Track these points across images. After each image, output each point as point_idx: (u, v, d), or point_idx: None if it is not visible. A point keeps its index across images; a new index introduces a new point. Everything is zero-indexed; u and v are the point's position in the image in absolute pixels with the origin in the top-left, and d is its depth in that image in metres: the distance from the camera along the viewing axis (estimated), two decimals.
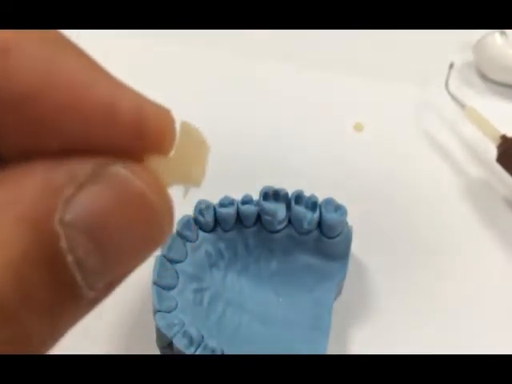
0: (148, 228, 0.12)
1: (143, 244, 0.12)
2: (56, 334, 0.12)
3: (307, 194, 0.29)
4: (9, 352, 0.10)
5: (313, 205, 0.28)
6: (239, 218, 0.28)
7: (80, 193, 0.11)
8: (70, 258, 0.11)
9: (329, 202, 0.28)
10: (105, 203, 0.11)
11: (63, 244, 0.11)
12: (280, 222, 0.28)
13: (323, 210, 0.28)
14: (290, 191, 0.28)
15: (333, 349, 0.27)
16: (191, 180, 0.13)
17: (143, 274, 0.28)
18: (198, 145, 0.13)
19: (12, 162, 0.11)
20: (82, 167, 0.11)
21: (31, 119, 0.11)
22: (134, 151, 0.12)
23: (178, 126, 0.13)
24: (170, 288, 0.26)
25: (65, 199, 0.11)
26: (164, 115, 0.13)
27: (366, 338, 0.29)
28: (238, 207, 0.28)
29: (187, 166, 0.13)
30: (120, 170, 0.11)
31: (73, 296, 0.11)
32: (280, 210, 0.28)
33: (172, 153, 0.13)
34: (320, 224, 0.28)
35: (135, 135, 0.12)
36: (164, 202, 0.12)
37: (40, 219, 0.10)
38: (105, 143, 0.12)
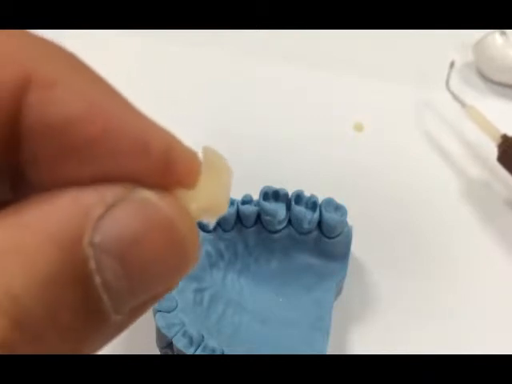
0: (175, 255, 0.12)
1: (169, 272, 0.12)
2: (80, 352, 0.11)
3: (307, 194, 0.29)
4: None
5: (313, 205, 0.28)
6: (239, 218, 0.28)
7: (109, 214, 0.11)
8: (98, 280, 0.11)
9: (329, 202, 0.28)
10: (134, 227, 0.11)
11: (92, 266, 0.11)
12: (280, 222, 0.28)
13: (323, 210, 0.28)
14: (290, 191, 0.28)
15: (333, 349, 0.27)
16: (216, 207, 0.13)
17: None
18: (220, 171, 0.14)
19: (45, 189, 0.11)
20: (111, 189, 0.11)
21: (68, 146, 0.11)
22: (163, 185, 0.12)
23: (200, 152, 0.14)
24: None
25: (95, 219, 0.11)
26: (191, 155, 0.13)
27: (366, 338, 0.29)
28: (238, 207, 0.28)
29: (212, 195, 0.13)
30: (149, 195, 0.12)
31: (99, 319, 0.11)
32: (280, 210, 0.28)
33: (197, 184, 0.13)
34: (320, 224, 0.28)
35: (164, 171, 0.12)
36: (191, 231, 0.12)
37: (70, 239, 0.11)
38: (135, 177, 0.12)
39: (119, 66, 0.41)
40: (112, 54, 0.42)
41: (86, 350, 0.12)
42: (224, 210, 0.14)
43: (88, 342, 0.11)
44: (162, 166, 0.12)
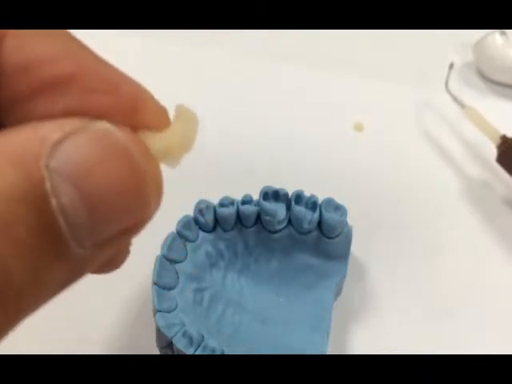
0: (132, 186, 0.12)
1: (127, 203, 0.12)
2: (40, 284, 0.12)
3: (307, 194, 0.29)
4: None
5: (313, 205, 0.28)
6: (239, 218, 0.28)
7: (66, 141, 0.12)
8: (53, 202, 0.11)
9: (329, 202, 0.28)
10: (88, 153, 0.12)
11: (48, 187, 0.11)
12: (280, 222, 0.28)
13: (323, 210, 0.28)
14: (290, 191, 0.28)
15: (333, 349, 0.27)
16: (176, 148, 0.14)
17: (143, 274, 0.28)
18: (187, 120, 0.15)
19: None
20: (69, 120, 0.12)
21: (43, 81, 0.13)
22: (129, 124, 0.13)
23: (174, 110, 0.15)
24: (170, 288, 0.26)
25: (50, 144, 0.11)
26: (157, 102, 0.14)
27: (366, 338, 0.29)
28: (238, 207, 0.28)
29: (173, 137, 0.14)
30: (106, 125, 0.12)
31: (58, 244, 0.11)
32: (280, 210, 0.28)
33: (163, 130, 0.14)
34: (320, 224, 0.28)
35: (131, 111, 0.13)
36: (148, 163, 0.13)
37: (26, 161, 0.11)
38: (104, 115, 0.13)
39: (119, 65, 0.41)
40: (112, 53, 0.42)
41: (50, 278, 0.12)
42: (182, 151, 0.14)
43: (50, 269, 0.12)
44: (130, 106, 0.13)
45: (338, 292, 0.30)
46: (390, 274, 0.31)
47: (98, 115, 0.13)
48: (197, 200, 0.28)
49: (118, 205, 0.12)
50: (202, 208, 0.28)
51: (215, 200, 0.28)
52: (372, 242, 0.32)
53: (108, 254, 0.13)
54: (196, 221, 0.28)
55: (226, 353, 0.25)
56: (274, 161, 0.36)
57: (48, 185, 0.11)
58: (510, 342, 0.29)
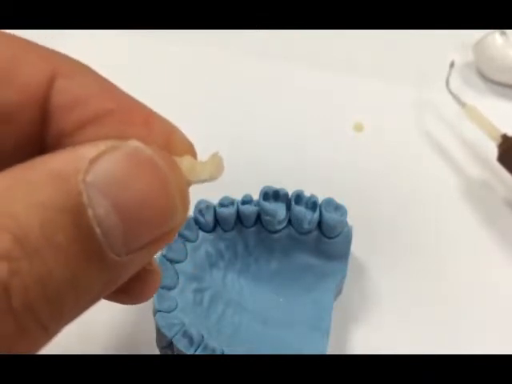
0: (160, 198, 0.14)
1: (156, 214, 0.14)
2: (78, 287, 0.13)
3: (307, 194, 0.29)
4: (26, 283, 0.12)
5: (313, 205, 0.28)
6: (239, 218, 0.28)
7: (101, 158, 0.13)
8: (90, 213, 0.12)
9: (329, 202, 0.28)
10: (120, 168, 0.13)
11: (85, 199, 0.12)
12: (280, 222, 0.28)
13: (323, 210, 0.28)
14: (290, 191, 0.28)
15: (333, 349, 0.27)
16: (196, 174, 0.16)
17: None
18: (212, 158, 0.17)
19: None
20: (104, 141, 0.13)
21: (88, 116, 0.15)
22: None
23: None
24: (170, 288, 0.26)
25: (87, 161, 0.13)
26: (187, 140, 0.17)
27: (366, 338, 0.29)
28: (238, 207, 0.28)
29: (196, 164, 0.16)
30: (136, 143, 0.14)
31: (95, 252, 0.13)
32: (280, 210, 0.28)
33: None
34: (320, 224, 0.28)
35: (163, 141, 0.15)
36: (176, 178, 0.14)
37: (65, 175, 0.13)
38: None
39: (119, 65, 0.41)
40: (112, 53, 0.42)
41: (86, 282, 0.13)
42: (206, 174, 0.16)
43: (88, 274, 0.13)
44: (162, 138, 0.15)
45: (338, 292, 0.30)
46: (390, 274, 0.31)
47: None
48: (197, 200, 0.28)
49: (148, 215, 0.13)
50: (201, 208, 0.28)
51: (215, 200, 0.28)
52: (372, 242, 0.32)
53: (141, 263, 0.14)
54: (196, 221, 0.28)
55: (226, 353, 0.25)
56: (274, 161, 0.36)
57: (85, 197, 0.12)
58: (510, 342, 0.29)
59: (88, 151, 0.13)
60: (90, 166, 0.13)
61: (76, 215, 0.12)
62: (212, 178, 0.16)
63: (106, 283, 0.13)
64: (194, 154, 0.16)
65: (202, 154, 0.17)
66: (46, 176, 0.12)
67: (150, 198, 0.13)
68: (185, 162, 0.15)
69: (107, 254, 0.13)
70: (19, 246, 0.12)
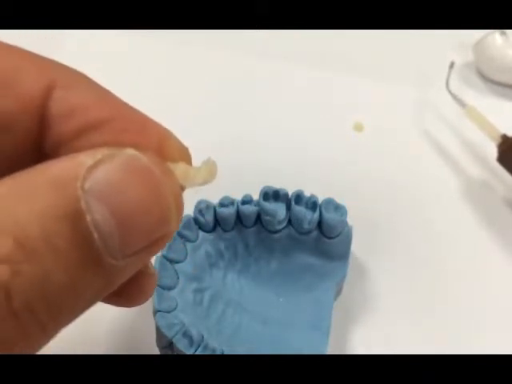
0: (155, 204, 0.14)
1: (151, 220, 0.14)
2: (76, 289, 0.13)
3: (307, 194, 0.29)
4: (26, 285, 0.12)
5: (313, 205, 0.28)
6: (239, 218, 0.28)
7: (99, 166, 0.14)
8: (88, 218, 0.13)
9: (329, 202, 0.28)
10: (117, 175, 0.14)
11: (83, 205, 0.13)
12: (280, 222, 0.28)
13: (323, 210, 0.28)
14: (290, 191, 0.28)
15: (333, 349, 0.27)
16: (190, 179, 0.16)
17: None
18: (206, 163, 0.17)
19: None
20: (101, 149, 0.14)
21: (85, 124, 0.15)
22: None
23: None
24: (170, 288, 0.26)
25: (85, 170, 0.13)
26: (181, 143, 0.17)
27: (366, 337, 0.29)
28: (238, 207, 0.28)
29: (190, 169, 0.16)
30: (132, 151, 0.14)
31: (93, 256, 0.13)
32: (280, 210, 0.28)
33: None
34: (320, 224, 0.28)
35: (158, 146, 0.16)
36: (170, 184, 0.15)
37: (64, 183, 0.13)
38: (135, 148, 0.15)
39: (119, 65, 0.41)
40: (112, 53, 0.42)
41: (84, 285, 0.13)
42: (200, 179, 0.16)
43: (86, 276, 0.13)
44: (156, 143, 0.16)
45: (338, 292, 0.30)
46: (390, 274, 0.31)
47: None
48: (197, 200, 0.28)
49: (143, 221, 0.14)
50: (201, 208, 0.28)
51: (215, 200, 0.28)
52: (372, 242, 0.32)
53: (137, 267, 0.15)
54: (196, 221, 0.28)
55: (225, 353, 0.25)
56: (274, 161, 0.36)
57: (83, 203, 0.13)
58: (510, 342, 0.29)
59: (86, 159, 0.13)
60: (87, 174, 0.13)
61: (75, 220, 0.13)
62: (205, 183, 0.17)
63: (103, 286, 0.14)
64: (188, 158, 0.17)
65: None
66: (46, 183, 0.13)
67: (145, 204, 0.14)
68: (178, 168, 0.16)
69: (104, 258, 0.13)
70: (21, 249, 0.12)
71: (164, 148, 0.16)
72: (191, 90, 0.40)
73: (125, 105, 0.16)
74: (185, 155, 0.17)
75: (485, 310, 0.30)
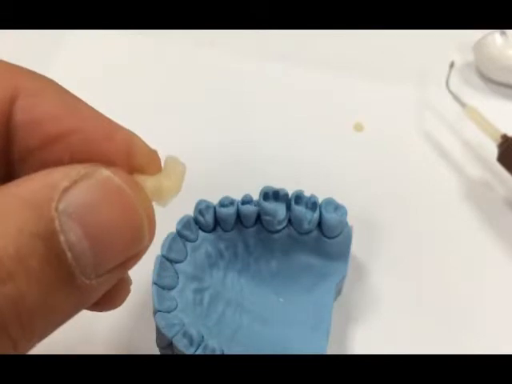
0: (128, 224, 0.14)
1: (125, 240, 0.14)
2: (49, 308, 0.13)
3: (307, 194, 0.29)
4: (2, 304, 0.12)
5: (313, 205, 0.28)
6: (239, 218, 0.28)
7: (74, 187, 0.14)
8: (62, 238, 0.13)
9: (329, 202, 0.28)
10: (91, 197, 0.14)
11: (57, 226, 0.13)
12: (280, 222, 0.28)
13: (323, 210, 0.28)
14: (290, 191, 0.28)
15: (333, 349, 0.27)
16: (166, 191, 0.16)
17: (143, 274, 0.28)
18: (175, 167, 0.17)
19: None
20: (76, 168, 0.14)
21: (49, 136, 0.15)
22: (125, 165, 0.16)
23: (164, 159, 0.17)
24: (170, 288, 0.26)
25: (60, 191, 0.13)
26: (148, 147, 0.17)
27: (366, 338, 0.29)
28: (238, 207, 0.28)
29: (163, 180, 0.16)
30: (106, 172, 0.14)
31: (66, 276, 0.13)
32: (280, 209, 0.28)
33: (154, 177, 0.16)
34: (320, 224, 0.28)
35: (126, 155, 0.16)
36: (143, 204, 0.15)
37: (39, 204, 0.13)
38: (102, 160, 0.15)
39: (119, 65, 0.41)
40: (112, 53, 0.42)
41: (57, 304, 0.13)
42: (170, 194, 0.17)
43: (59, 295, 0.13)
44: (124, 150, 0.16)
45: (338, 292, 0.30)
46: (390, 274, 0.31)
47: (98, 160, 0.15)
48: (197, 200, 0.28)
49: (117, 241, 0.14)
50: (201, 208, 0.28)
51: (215, 200, 0.28)
52: (372, 242, 0.32)
53: (110, 284, 0.15)
54: (196, 221, 0.28)
55: (226, 353, 0.25)
56: (274, 161, 0.36)
57: (57, 224, 0.13)
58: (510, 342, 0.29)
59: (60, 180, 0.14)
60: (62, 195, 0.13)
61: (49, 240, 0.13)
62: (177, 193, 0.17)
63: (77, 305, 0.14)
64: (156, 162, 0.17)
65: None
66: (21, 203, 0.13)
67: (118, 224, 0.14)
68: (149, 183, 0.16)
69: (78, 277, 0.13)
70: None
71: (131, 155, 0.16)
72: (191, 89, 0.40)
73: (91, 112, 0.16)
74: (153, 160, 0.17)
75: (485, 310, 0.30)
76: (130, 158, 0.16)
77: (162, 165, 0.17)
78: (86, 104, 0.17)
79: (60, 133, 0.15)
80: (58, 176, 0.14)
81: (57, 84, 0.17)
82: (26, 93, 0.16)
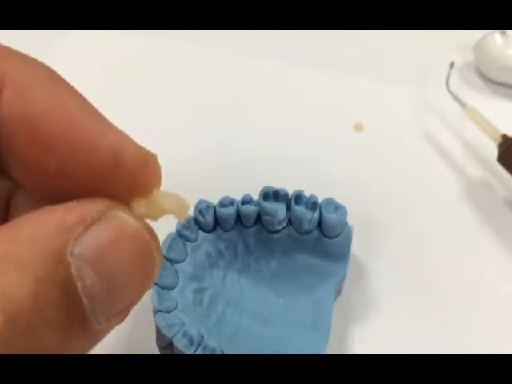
0: (142, 267, 0.14)
1: (137, 282, 0.14)
2: (61, 351, 0.13)
3: (307, 194, 0.29)
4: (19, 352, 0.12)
5: (313, 205, 0.28)
6: (239, 218, 0.28)
7: (87, 231, 0.13)
8: (79, 285, 0.13)
9: (329, 202, 0.28)
10: (106, 240, 0.14)
11: (73, 272, 0.13)
12: (280, 222, 0.28)
13: (323, 210, 0.28)
14: (290, 191, 0.28)
15: (333, 349, 0.27)
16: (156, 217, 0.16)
17: None
18: (181, 205, 0.16)
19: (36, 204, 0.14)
20: (90, 210, 0.14)
21: (36, 136, 0.14)
22: (123, 191, 0.15)
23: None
24: (170, 288, 0.26)
25: (76, 236, 0.13)
26: (143, 152, 0.15)
27: (366, 337, 0.29)
28: (238, 207, 0.28)
29: (165, 203, 0.16)
30: (119, 213, 0.14)
31: (82, 321, 0.13)
32: (280, 210, 0.28)
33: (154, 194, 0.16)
34: (320, 224, 0.28)
35: (111, 163, 0.15)
36: (154, 239, 0.15)
37: (56, 251, 0.13)
38: (90, 172, 0.14)
39: (119, 65, 0.41)
40: (112, 53, 0.42)
41: (71, 349, 0.13)
42: (176, 214, 0.16)
43: (74, 340, 0.13)
44: (109, 160, 0.15)
45: (338, 292, 0.30)
46: (390, 274, 0.31)
47: (85, 172, 0.14)
48: (197, 200, 0.28)
49: (130, 285, 0.14)
50: (201, 208, 0.28)
51: (215, 200, 0.28)
52: (372, 242, 0.32)
53: (117, 324, 0.15)
54: (196, 221, 0.28)
55: (226, 353, 0.25)
56: (274, 161, 0.36)
57: (73, 269, 0.13)
58: (510, 342, 0.29)
59: (75, 225, 0.13)
60: (76, 240, 0.13)
61: (65, 288, 0.13)
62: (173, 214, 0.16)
63: (86, 349, 0.14)
64: (153, 164, 0.16)
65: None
66: (35, 251, 0.13)
67: (133, 268, 0.14)
68: (141, 205, 0.15)
69: (91, 322, 0.13)
70: (12, 325, 0.12)
71: (118, 166, 0.15)
72: (191, 90, 0.40)
73: (79, 110, 0.15)
74: (146, 161, 0.15)
75: (485, 310, 0.30)
76: (115, 168, 0.15)
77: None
78: (75, 98, 0.15)
79: (45, 134, 0.14)
80: (73, 220, 0.13)
81: (48, 69, 0.15)
82: (14, 80, 0.14)
